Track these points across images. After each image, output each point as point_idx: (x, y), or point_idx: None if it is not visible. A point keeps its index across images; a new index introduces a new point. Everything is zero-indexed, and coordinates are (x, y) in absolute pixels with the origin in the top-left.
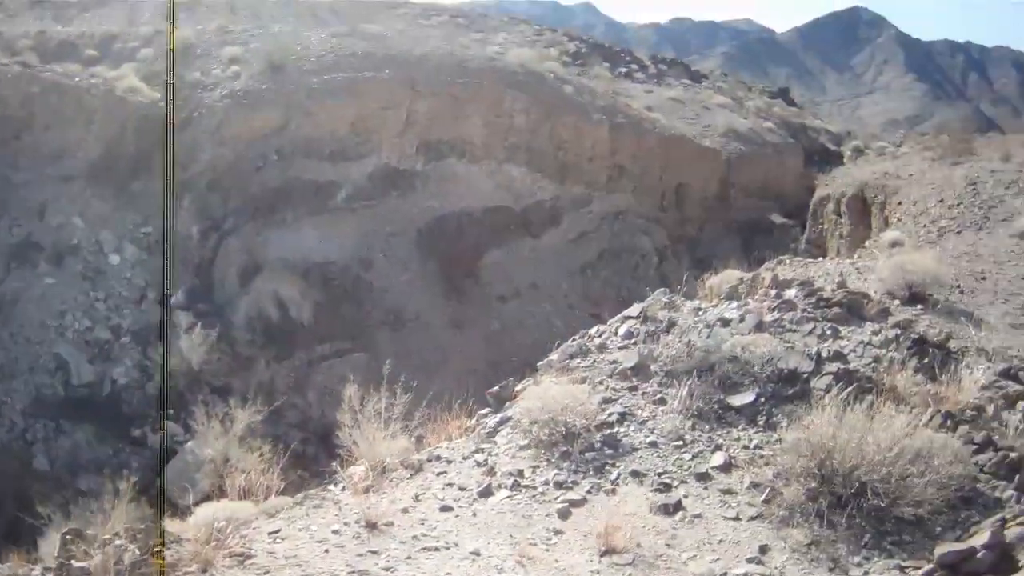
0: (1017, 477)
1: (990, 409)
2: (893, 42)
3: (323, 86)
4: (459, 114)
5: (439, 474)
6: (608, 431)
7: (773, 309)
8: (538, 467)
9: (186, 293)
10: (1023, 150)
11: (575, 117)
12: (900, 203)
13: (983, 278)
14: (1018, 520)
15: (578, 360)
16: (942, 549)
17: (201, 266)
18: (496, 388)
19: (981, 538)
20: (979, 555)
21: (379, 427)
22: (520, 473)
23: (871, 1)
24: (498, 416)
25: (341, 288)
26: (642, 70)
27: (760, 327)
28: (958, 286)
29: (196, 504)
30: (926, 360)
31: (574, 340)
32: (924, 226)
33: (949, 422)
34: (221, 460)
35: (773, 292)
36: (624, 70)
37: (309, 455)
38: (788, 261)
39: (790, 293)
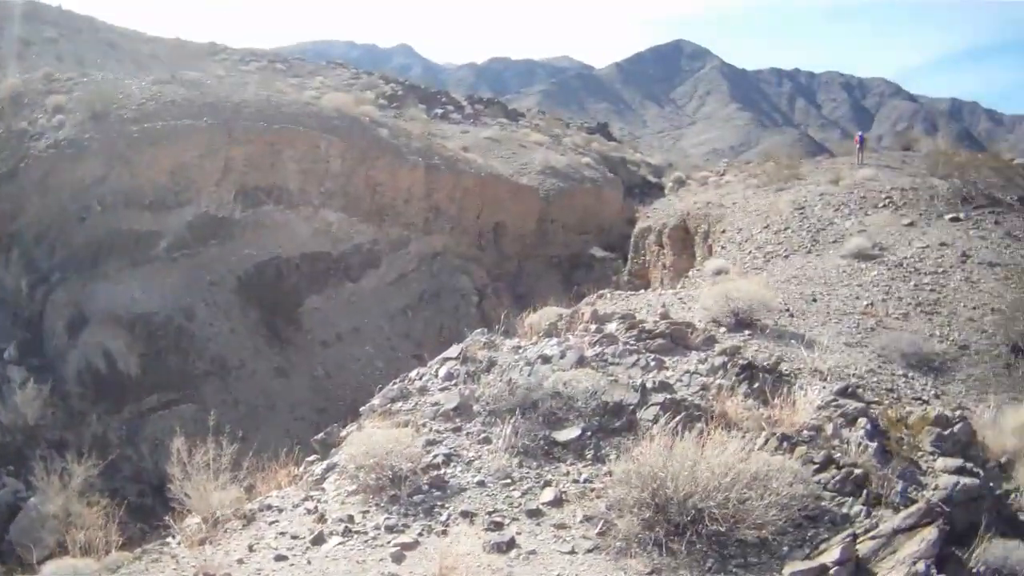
0: (864, 492)
1: (829, 428)
2: (716, 73)
3: (143, 134)
4: (275, 160)
5: (271, 523)
6: (435, 473)
7: (594, 344)
8: (368, 512)
9: (18, 347)
10: (851, 171)
11: (390, 160)
12: (724, 231)
13: (814, 300)
14: (870, 534)
15: (400, 403)
16: (791, 568)
17: (31, 320)
18: (321, 435)
19: (831, 555)
20: (831, 571)
21: (209, 478)
22: (351, 519)
23: (694, 34)
24: (325, 463)
25: (166, 339)
26: (458, 111)
27: (582, 362)
28: (787, 310)
29: (41, 561)
30: (756, 385)
31: (395, 384)
32: (750, 253)
33: (786, 444)
34: (63, 515)
35: (593, 327)
36: (440, 111)
37: (147, 507)
38: (609, 295)
39: (611, 327)
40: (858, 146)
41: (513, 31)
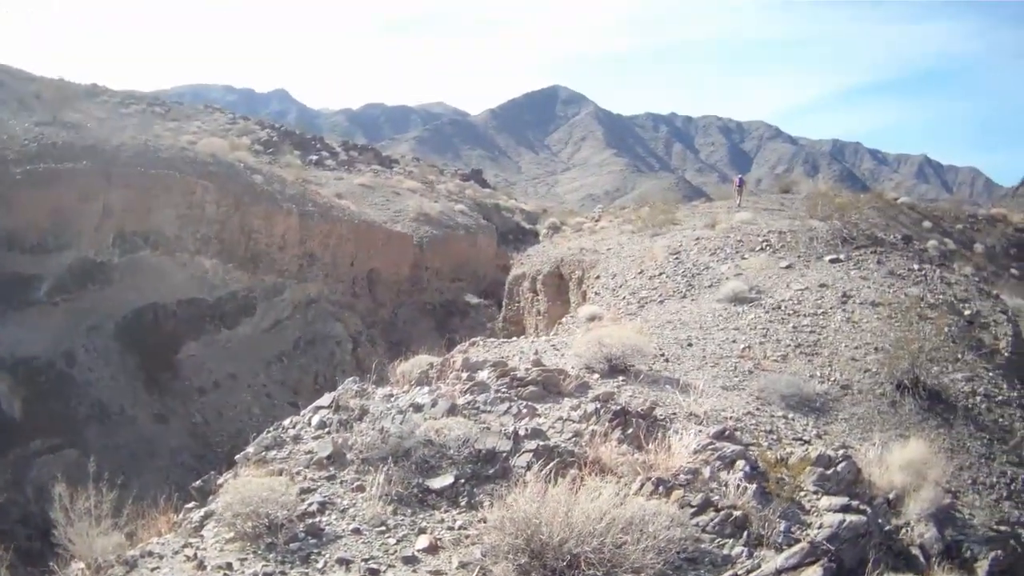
0: (745, 534)
1: (706, 471)
2: (592, 118)
3: (25, 177)
4: (152, 205)
5: (153, 570)
6: (311, 521)
7: (466, 392)
8: (246, 559)
9: None
10: (728, 215)
11: (265, 206)
12: (598, 277)
13: (689, 345)
14: (752, 575)
15: (274, 452)
16: None
17: None
18: (199, 482)
19: None
20: None
21: (92, 524)
22: (229, 566)
23: (570, 80)
24: (203, 510)
25: (47, 383)
26: (333, 157)
27: (453, 410)
28: (662, 355)
29: None
30: (630, 430)
31: (268, 432)
32: (624, 298)
33: (662, 488)
34: None
35: (465, 375)
36: (315, 157)
37: (36, 551)
38: (482, 342)
39: (482, 374)
40: (737, 188)
41: (388, 77)
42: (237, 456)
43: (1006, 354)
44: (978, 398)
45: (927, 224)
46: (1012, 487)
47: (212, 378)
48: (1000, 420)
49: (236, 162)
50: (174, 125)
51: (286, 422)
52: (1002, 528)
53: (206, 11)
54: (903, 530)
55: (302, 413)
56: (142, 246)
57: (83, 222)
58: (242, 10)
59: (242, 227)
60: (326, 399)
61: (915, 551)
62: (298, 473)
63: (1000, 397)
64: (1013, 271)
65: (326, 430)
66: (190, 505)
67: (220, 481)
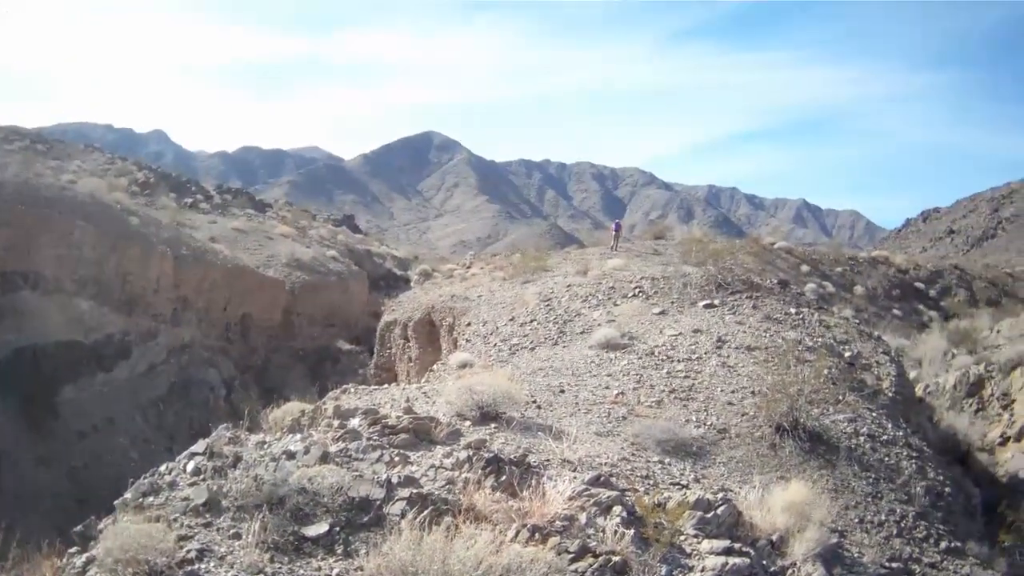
0: None
1: (583, 517)
2: (465, 165)
3: None
4: (32, 245)
5: None
6: (190, 568)
7: (338, 439)
8: None
9: None
10: (600, 262)
11: (140, 249)
12: (469, 324)
13: (561, 391)
14: None
15: (151, 498)
16: None
17: None
18: (80, 527)
19: None
20: None
21: None
22: None
23: (443, 126)
24: (85, 555)
25: None
26: (207, 200)
27: (326, 458)
28: (534, 401)
29: None
30: (504, 477)
31: (145, 478)
32: (495, 345)
33: (538, 535)
34: None
35: (336, 422)
36: (190, 200)
37: None
38: (354, 389)
39: (354, 422)
40: (614, 233)
41: (263, 121)
42: (116, 502)
43: (890, 394)
44: (862, 438)
45: (805, 268)
46: (902, 524)
47: (91, 422)
48: (886, 459)
49: (114, 203)
50: (55, 163)
51: (162, 468)
52: (894, 565)
53: (85, 48)
54: (789, 571)
55: (177, 459)
56: (22, 286)
57: None
58: (122, 49)
59: (118, 269)
60: (200, 445)
61: None
62: (175, 520)
63: (885, 436)
64: (896, 312)
65: (201, 477)
66: (72, 550)
67: (100, 527)
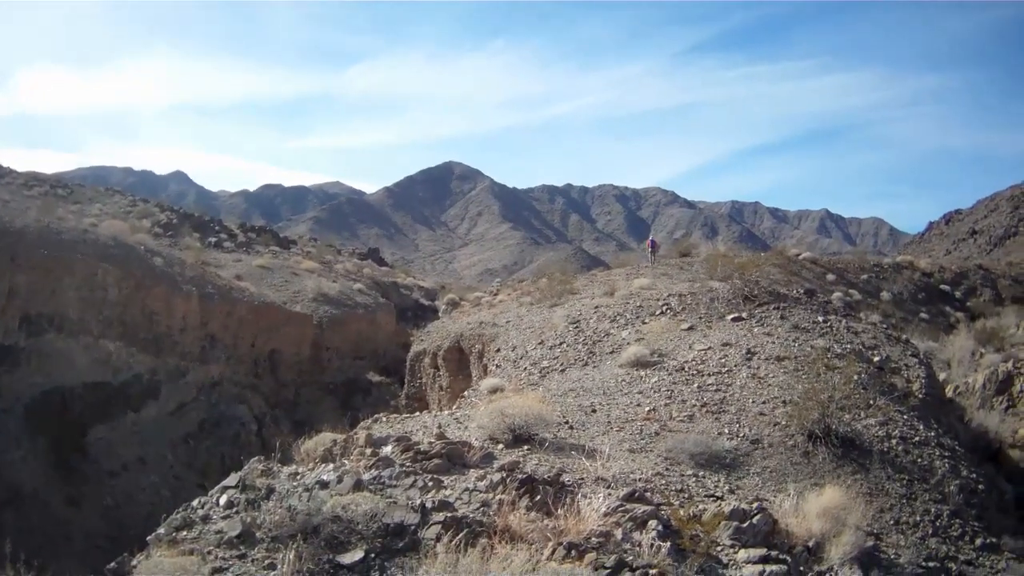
0: None
1: (618, 533)
2: (487, 193)
3: None
4: (56, 287)
5: None
6: None
7: (371, 467)
8: None
9: None
10: (627, 282)
11: (165, 289)
12: (498, 350)
13: (593, 411)
14: None
15: (184, 532)
16: None
17: None
18: (113, 564)
19: None
20: None
21: None
22: None
23: (464, 155)
24: None
25: None
26: (231, 239)
27: (359, 486)
28: (566, 422)
29: None
30: (538, 497)
31: (178, 513)
32: (525, 369)
33: (574, 552)
34: None
35: (369, 451)
36: (214, 239)
37: None
38: (385, 418)
39: (386, 450)
40: (651, 250)
41: (284, 158)
42: (149, 537)
43: (920, 396)
44: (894, 441)
45: (831, 277)
46: (937, 524)
47: (121, 461)
48: (919, 460)
49: (137, 244)
50: (76, 207)
51: (195, 502)
52: (931, 564)
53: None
54: (826, 574)
55: (210, 493)
56: (47, 329)
57: None
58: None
59: (143, 309)
60: (233, 479)
61: None
62: (209, 552)
63: (917, 438)
64: (923, 315)
65: (234, 509)
66: None
67: (134, 563)
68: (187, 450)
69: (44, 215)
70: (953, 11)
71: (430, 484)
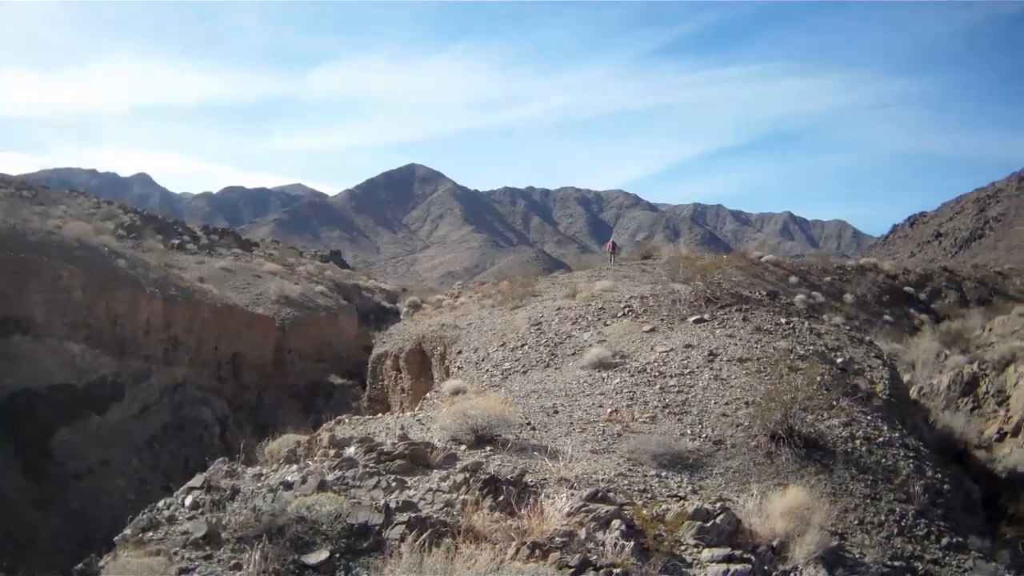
0: None
1: (582, 532)
2: (449, 195)
3: None
4: (22, 290)
5: None
6: None
7: (334, 468)
8: None
9: None
10: (589, 284)
11: (129, 291)
12: (460, 352)
13: (555, 412)
14: None
15: (151, 533)
16: None
17: None
18: (80, 565)
19: None
20: None
21: None
22: None
23: (426, 158)
24: None
25: None
26: (194, 241)
27: (323, 486)
28: (529, 423)
29: None
30: (501, 497)
31: (144, 514)
32: (487, 371)
33: (538, 551)
34: None
35: (332, 452)
36: (177, 241)
37: None
38: (348, 420)
39: (350, 451)
40: (611, 252)
41: (247, 160)
42: (116, 538)
43: (884, 397)
44: (857, 441)
45: (794, 279)
46: (903, 523)
47: (86, 464)
48: (883, 461)
49: (101, 246)
50: (41, 209)
51: (160, 504)
52: (896, 563)
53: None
54: (791, 575)
55: (175, 494)
56: (13, 331)
57: None
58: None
59: (108, 312)
60: (197, 480)
61: None
62: (175, 553)
63: (881, 439)
64: (887, 317)
65: (199, 510)
66: None
67: (101, 563)
68: (152, 453)
69: (10, 217)
70: (920, 15)
71: (394, 484)
